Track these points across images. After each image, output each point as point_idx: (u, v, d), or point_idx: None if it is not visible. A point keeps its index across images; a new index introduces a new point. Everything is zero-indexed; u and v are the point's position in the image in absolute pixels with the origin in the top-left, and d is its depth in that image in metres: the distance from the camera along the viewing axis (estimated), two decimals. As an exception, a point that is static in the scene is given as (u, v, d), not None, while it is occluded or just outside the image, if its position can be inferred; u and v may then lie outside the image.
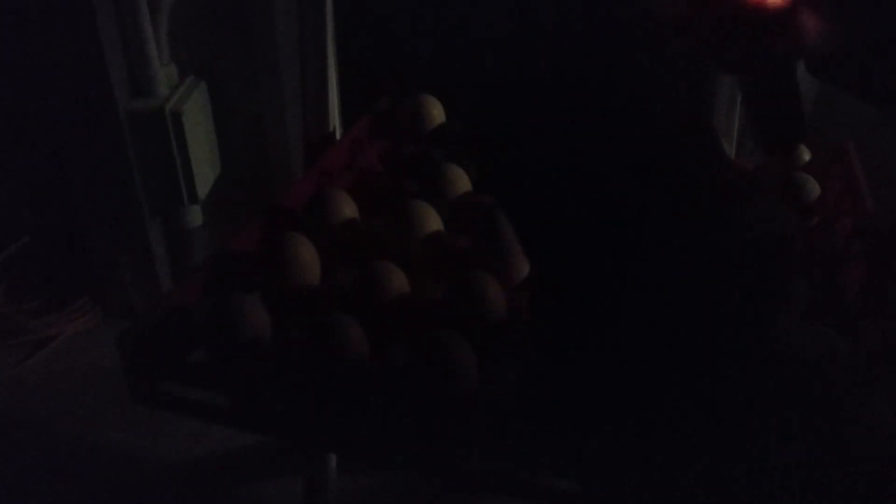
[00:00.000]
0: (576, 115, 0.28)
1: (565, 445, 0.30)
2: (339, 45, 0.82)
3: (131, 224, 1.07)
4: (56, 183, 1.07)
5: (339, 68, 0.84)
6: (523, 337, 0.51)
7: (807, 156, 0.75)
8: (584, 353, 0.29)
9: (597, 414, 0.29)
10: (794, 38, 0.28)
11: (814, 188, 0.69)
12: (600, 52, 0.29)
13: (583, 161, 0.28)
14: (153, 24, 0.97)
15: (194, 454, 0.96)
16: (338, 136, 0.81)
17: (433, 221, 0.62)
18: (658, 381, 0.27)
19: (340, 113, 0.84)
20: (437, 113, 0.79)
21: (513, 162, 0.29)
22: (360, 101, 0.84)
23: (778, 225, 0.29)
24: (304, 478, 0.85)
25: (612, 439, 0.29)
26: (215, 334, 0.53)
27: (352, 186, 0.70)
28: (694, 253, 0.27)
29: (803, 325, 0.29)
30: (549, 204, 0.28)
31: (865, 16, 0.26)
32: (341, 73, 0.85)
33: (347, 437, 0.51)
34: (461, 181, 0.67)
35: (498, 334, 0.53)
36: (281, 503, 0.91)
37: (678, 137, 0.29)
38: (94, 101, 0.97)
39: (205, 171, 1.05)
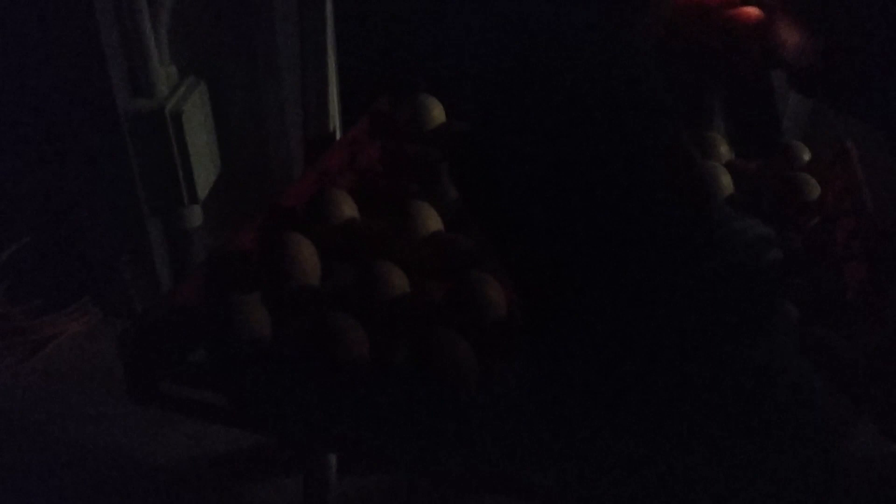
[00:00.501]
0: (570, 121, 0.28)
1: (563, 445, 0.30)
2: (339, 45, 0.82)
3: (131, 224, 1.07)
4: (56, 183, 1.07)
5: (339, 68, 0.84)
6: (521, 337, 0.51)
7: (807, 156, 0.75)
8: (573, 358, 0.29)
9: (588, 415, 0.29)
10: (771, 49, 0.28)
11: (814, 188, 0.69)
12: (600, 59, 0.29)
13: (572, 170, 0.28)
14: (153, 24, 0.97)
15: (194, 454, 0.96)
16: (338, 136, 0.81)
17: (433, 221, 0.62)
18: (644, 393, 0.27)
19: (340, 113, 0.84)
20: (437, 113, 0.79)
21: (505, 167, 0.29)
22: (360, 101, 0.84)
23: (762, 252, 0.29)
24: (304, 478, 0.85)
25: (604, 441, 0.29)
26: (215, 334, 0.53)
27: (352, 186, 0.70)
28: (676, 276, 0.27)
29: (792, 349, 0.28)
30: (537, 213, 0.28)
31: (841, 31, 0.26)
32: (341, 73, 0.85)
33: (347, 437, 0.51)
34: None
35: (498, 334, 0.53)
36: (281, 503, 0.91)
37: (672, 159, 0.29)
38: (94, 101, 0.97)
39: (205, 171, 1.05)
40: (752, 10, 0.29)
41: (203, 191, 1.06)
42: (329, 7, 0.75)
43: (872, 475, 0.28)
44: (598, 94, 0.28)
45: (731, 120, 0.32)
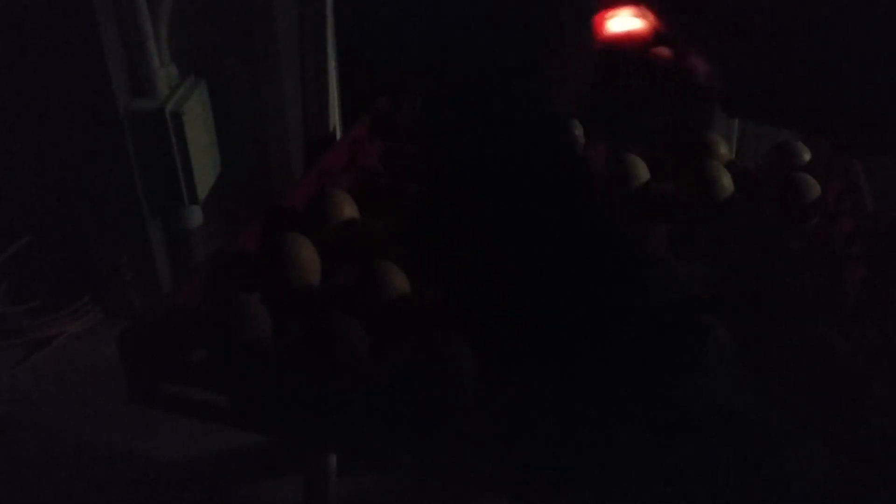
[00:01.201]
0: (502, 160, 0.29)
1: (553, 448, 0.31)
2: (339, 45, 0.82)
3: (131, 224, 1.07)
4: (56, 183, 1.07)
5: (339, 68, 0.84)
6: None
7: (807, 156, 0.75)
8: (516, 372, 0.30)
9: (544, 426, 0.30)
10: (688, 78, 0.30)
11: (814, 188, 0.69)
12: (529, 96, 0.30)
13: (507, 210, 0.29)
14: (153, 24, 0.97)
15: (194, 454, 0.96)
16: (338, 136, 0.81)
17: (433, 221, 0.62)
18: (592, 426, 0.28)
19: (340, 113, 0.84)
20: (437, 113, 0.79)
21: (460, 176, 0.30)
22: (360, 101, 0.84)
23: (679, 288, 0.30)
24: (304, 478, 0.85)
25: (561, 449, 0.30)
26: (215, 334, 0.53)
27: (352, 186, 0.70)
28: (601, 317, 0.28)
29: (726, 376, 0.29)
30: (485, 254, 0.29)
31: (748, 56, 0.27)
32: (341, 73, 0.85)
33: (347, 437, 0.51)
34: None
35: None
36: (281, 503, 0.91)
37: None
38: (94, 101, 0.97)
39: (205, 171, 1.05)
40: (663, 50, 0.32)
41: (203, 191, 1.06)
42: (329, 7, 0.75)
43: (818, 487, 0.28)
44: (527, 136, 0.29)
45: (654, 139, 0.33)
